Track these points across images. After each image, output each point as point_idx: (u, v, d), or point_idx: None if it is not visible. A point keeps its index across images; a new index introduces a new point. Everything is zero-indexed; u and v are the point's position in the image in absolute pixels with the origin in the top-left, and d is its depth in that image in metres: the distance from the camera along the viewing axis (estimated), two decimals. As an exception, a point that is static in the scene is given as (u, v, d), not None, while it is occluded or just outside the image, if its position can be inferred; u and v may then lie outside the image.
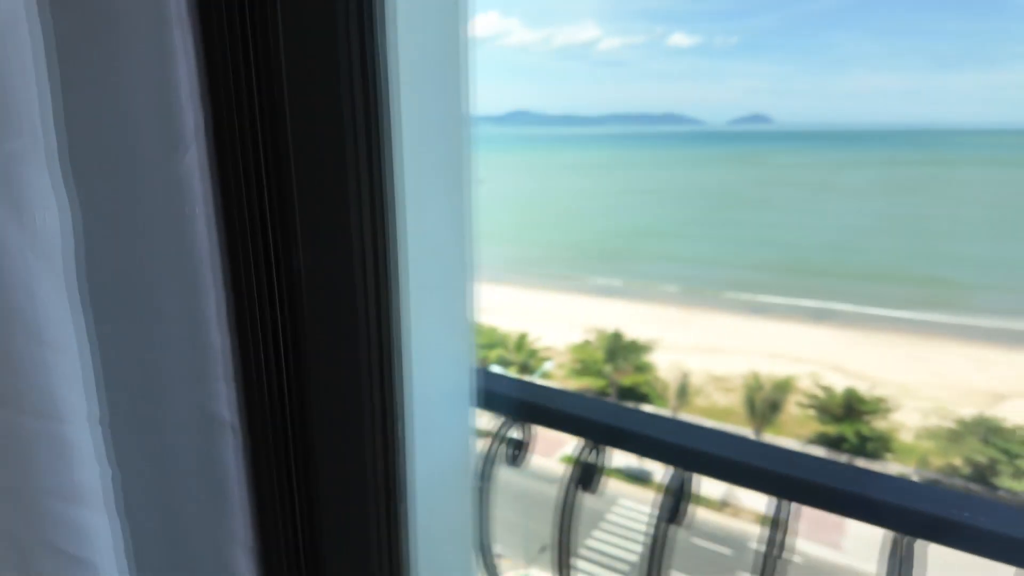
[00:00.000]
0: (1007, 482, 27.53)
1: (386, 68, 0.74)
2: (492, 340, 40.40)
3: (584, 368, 37.79)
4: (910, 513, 0.94)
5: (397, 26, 0.74)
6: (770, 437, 33.28)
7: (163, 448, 0.97)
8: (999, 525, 0.87)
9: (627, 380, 35.97)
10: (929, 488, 1.01)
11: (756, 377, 32.00)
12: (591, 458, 1.22)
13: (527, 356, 37.08)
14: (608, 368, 35.78)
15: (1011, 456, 27.68)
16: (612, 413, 1.24)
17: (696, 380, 39.98)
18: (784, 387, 31.23)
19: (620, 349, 35.73)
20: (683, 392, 33.34)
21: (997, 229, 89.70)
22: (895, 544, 0.95)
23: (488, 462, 1.30)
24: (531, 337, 39.42)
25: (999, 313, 52.59)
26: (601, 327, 38.37)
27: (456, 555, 1.14)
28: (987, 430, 29.21)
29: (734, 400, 37.55)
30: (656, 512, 1.13)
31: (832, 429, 32.45)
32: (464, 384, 1.10)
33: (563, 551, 1.27)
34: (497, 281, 68.47)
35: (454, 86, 0.90)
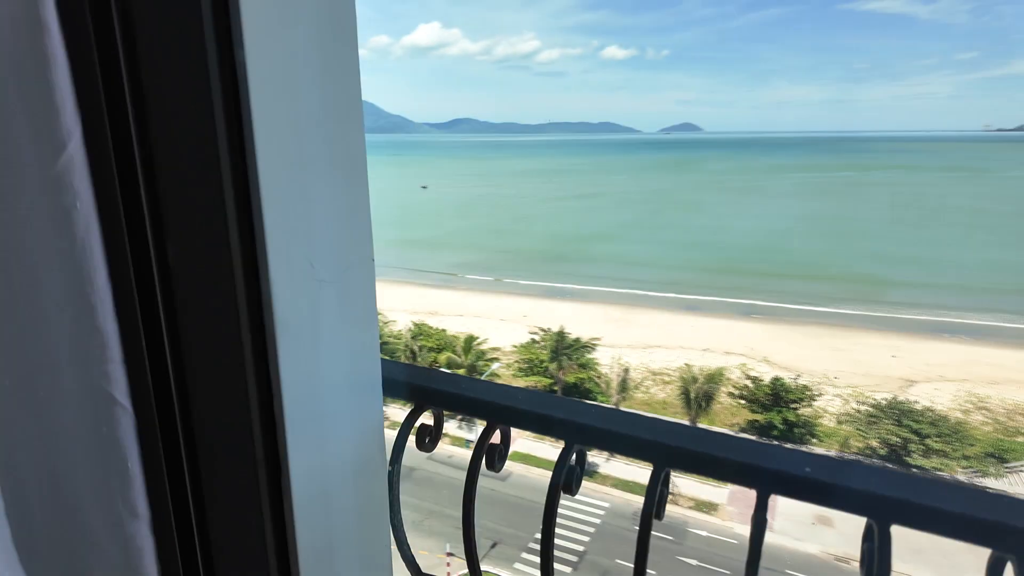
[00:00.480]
0: (918, 460, 29.45)
1: (245, 66, 0.79)
2: (441, 343, 40.69)
3: (530, 367, 38.61)
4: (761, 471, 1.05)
5: (256, 23, 0.79)
6: (705, 425, 35.00)
7: (59, 429, 0.98)
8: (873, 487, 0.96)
9: (571, 377, 36.87)
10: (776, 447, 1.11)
11: (691, 370, 33.35)
12: (495, 439, 1.27)
13: (475, 357, 37.44)
14: (553, 366, 36.52)
15: (921, 436, 29.65)
16: (512, 395, 1.27)
17: (636, 375, 41.48)
18: (716, 379, 32.64)
19: (564, 348, 36.53)
20: (624, 387, 34.41)
21: (906, 228, 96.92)
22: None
23: (397, 448, 1.32)
24: (479, 339, 39.87)
25: (910, 306, 57.05)
26: (546, 327, 39.22)
27: (367, 534, 1.18)
28: (900, 413, 31.26)
29: (671, 392, 39.33)
30: (554, 482, 1.19)
31: (761, 417, 34.18)
32: (368, 374, 1.13)
33: (469, 528, 1.32)
34: (446, 285, 68.71)
35: (332, 84, 0.92)
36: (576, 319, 53.35)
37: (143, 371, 0.95)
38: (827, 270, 71.28)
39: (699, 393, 32.00)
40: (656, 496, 1.13)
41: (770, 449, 1.07)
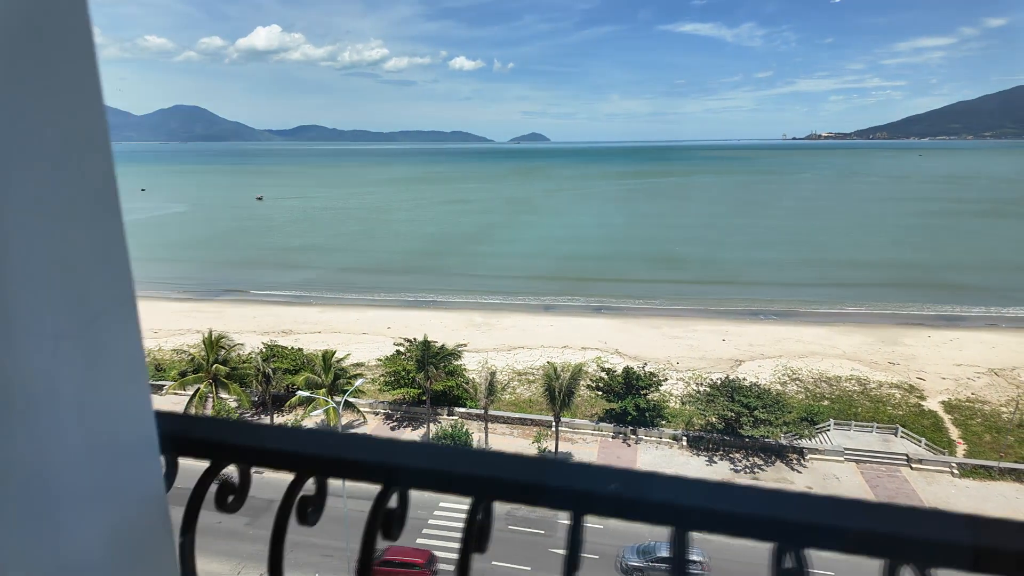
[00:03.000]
0: (748, 431, 33.27)
1: None
2: (297, 363, 38.28)
3: (396, 380, 37.75)
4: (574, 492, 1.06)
5: None
6: (568, 419, 36.82)
7: None
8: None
9: (439, 386, 36.65)
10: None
11: (553, 368, 34.69)
12: (309, 491, 1.13)
13: (336, 375, 35.71)
14: (420, 376, 36.05)
15: (750, 409, 33.48)
16: (322, 441, 1.14)
17: (502, 377, 42.40)
18: (575, 374, 34.23)
19: (431, 357, 36.20)
20: (492, 390, 34.92)
21: (722, 229, 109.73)
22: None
23: (190, 514, 1.12)
24: (339, 355, 38.13)
25: (733, 295, 64.63)
26: (411, 338, 38.63)
27: None
28: (732, 390, 34.90)
29: (536, 391, 40.73)
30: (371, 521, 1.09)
31: (616, 405, 36.45)
32: (137, 435, 0.97)
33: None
34: (300, 302, 64.75)
35: (56, 96, 0.80)
36: (441, 327, 53.30)
37: None
38: (663, 265, 78.60)
39: (561, 389, 33.39)
40: (475, 528, 1.07)
41: (581, 469, 1.06)
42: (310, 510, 1.12)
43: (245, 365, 37.80)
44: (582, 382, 36.50)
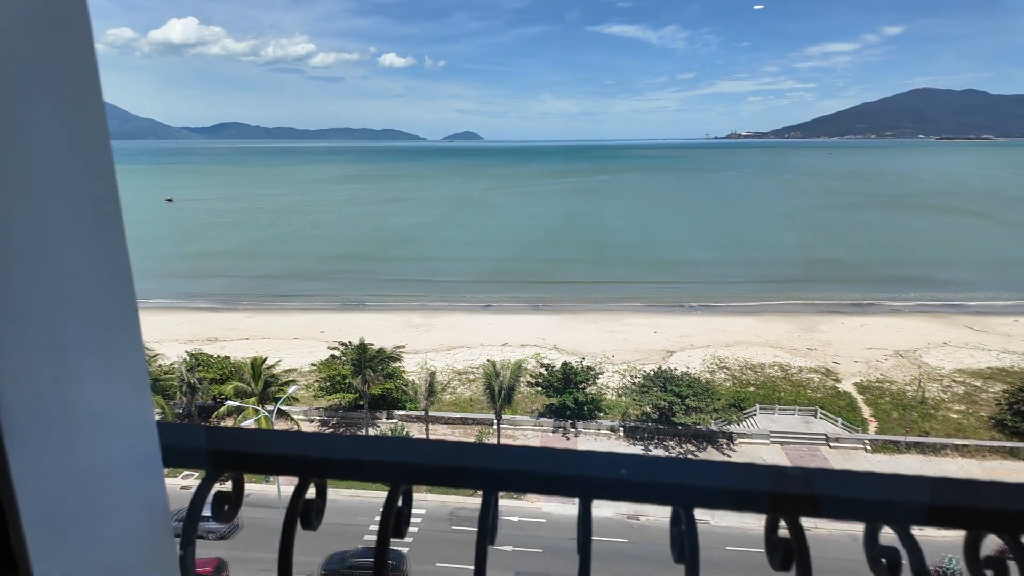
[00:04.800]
0: (681, 418, 34.49)
1: None
2: (225, 372, 36.45)
3: (332, 385, 36.69)
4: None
5: None
6: (509, 416, 36.97)
7: None
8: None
9: (377, 389, 35.90)
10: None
11: (493, 366, 34.72)
12: (310, 495, 1.14)
13: (266, 383, 34.30)
14: (357, 381, 35.19)
15: (682, 398, 34.72)
16: (326, 446, 1.15)
17: (442, 377, 41.97)
18: (515, 371, 34.40)
19: (368, 360, 35.39)
20: (432, 391, 34.58)
21: (654, 226, 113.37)
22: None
23: (189, 527, 1.12)
24: (270, 361, 36.61)
25: (665, 292, 66.87)
26: (347, 341, 37.64)
27: None
28: (665, 380, 36.09)
29: (477, 389, 40.66)
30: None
31: (556, 400, 36.90)
32: (144, 447, 0.95)
33: None
34: (229, 308, 61.61)
35: (66, 91, 0.79)
36: (378, 329, 52.20)
37: None
38: (599, 262, 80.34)
39: (501, 387, 33.48)
40: (489, 521, 1.08)
41: (588, 456, 1.10)
42: (314, 514, 1.13)
43: (167, 376, 35.71)
44: (522, 379, 36.77)
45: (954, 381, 41.31)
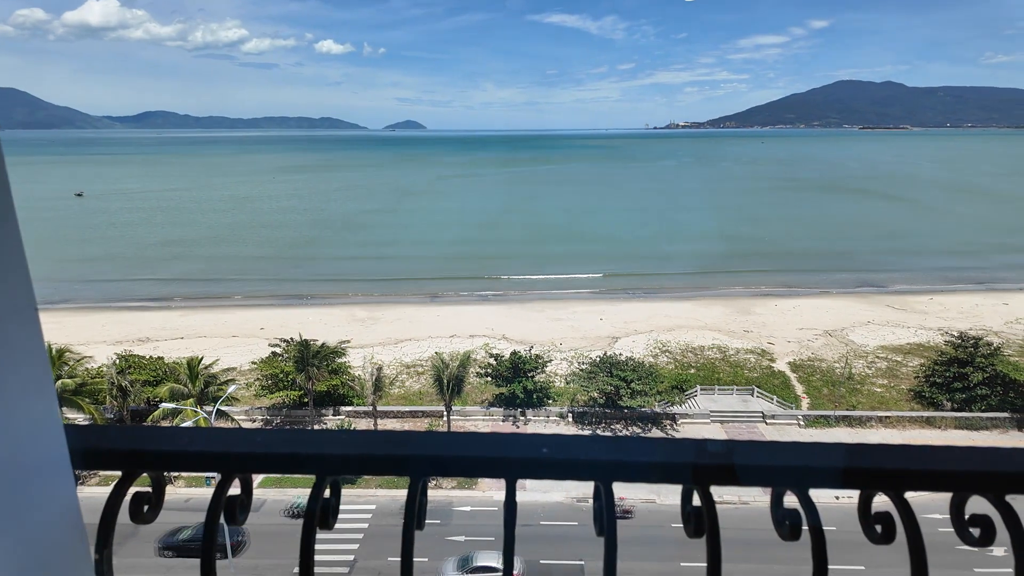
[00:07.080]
0: (627, 401, 35.32)
1: None
2: (159, 373, 34.69)
3: (274, 383, 35.58)
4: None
5: None
6: (459, 407, 36.93)
7: None
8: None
9: (322, 386, 35.08)
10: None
11: (441, 358, 34.52)
12: (232, 491, 1.12)
13: (205, 383, 32.89)
14: (301, 378, 34.25)
15: (627, 382, 35.54)
16: (249, 440, 1.13)
17: (390, 371, 41.40)
18: (464, 362, 34.34)
19: (311, 357, 34.47)
20: (379, 385, 34.06)
21: (597, 214, 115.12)
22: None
23: (104, 529, 1.08)
24: (207, 361, 35.08)
25: (609, 279, 68.09)
26: (289, 337, 36.53)
27: None
28: (611, 365, 36.84)
29: (426, 382, 40.35)
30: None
31: (505, 390, 37.12)
32: (47, 449, 0.91)
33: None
34: (161, 307, 58.45)
35: None
36: (321, 324, 50.91)
37: None
38: (545, 251, 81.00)
39: (451, 378, 33.35)
40: (416, 507, 1.10)
41: (512, 438, 1.13)
42: (238, 510, 1.10)
43: (96, 380, 33.72)
44: (471, 369, 36.75)
45: (877, 357, 44.07)
